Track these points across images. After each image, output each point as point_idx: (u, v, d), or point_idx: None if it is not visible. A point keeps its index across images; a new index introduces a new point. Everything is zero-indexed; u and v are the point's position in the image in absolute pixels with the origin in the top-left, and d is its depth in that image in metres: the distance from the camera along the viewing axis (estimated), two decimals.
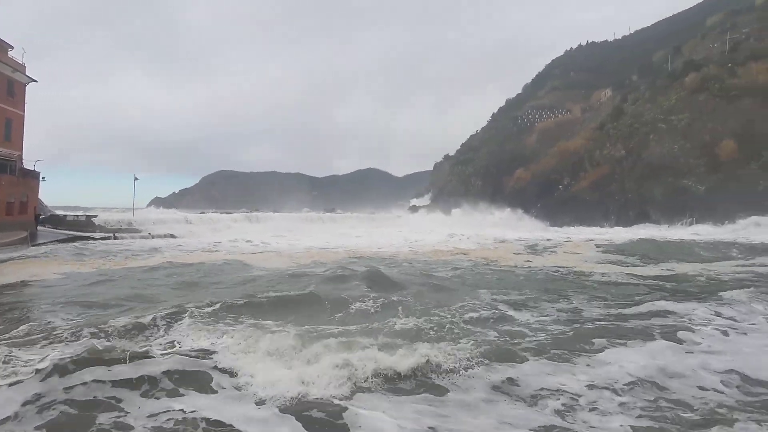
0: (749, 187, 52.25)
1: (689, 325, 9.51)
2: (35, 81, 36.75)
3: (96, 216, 43.33)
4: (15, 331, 8.61)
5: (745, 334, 9.10)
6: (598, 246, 31.47)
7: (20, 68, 35.07)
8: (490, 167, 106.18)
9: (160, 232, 39.78)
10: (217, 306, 10.25)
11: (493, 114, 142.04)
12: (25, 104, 36.22)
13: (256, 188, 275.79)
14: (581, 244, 34.73)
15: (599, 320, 10.03)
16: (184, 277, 15.98)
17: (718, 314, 10.51)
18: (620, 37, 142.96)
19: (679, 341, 8.38)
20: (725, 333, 9.03)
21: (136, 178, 50.70)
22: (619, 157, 70.43)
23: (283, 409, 5.48)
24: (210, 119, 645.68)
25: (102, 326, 8.56)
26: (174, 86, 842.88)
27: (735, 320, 10.10)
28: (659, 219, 58.67)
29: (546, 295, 13.10)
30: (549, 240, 39.39)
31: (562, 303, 12.02)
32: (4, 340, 8.09)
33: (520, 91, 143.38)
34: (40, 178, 37.14)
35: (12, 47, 35.02)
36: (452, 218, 79.06)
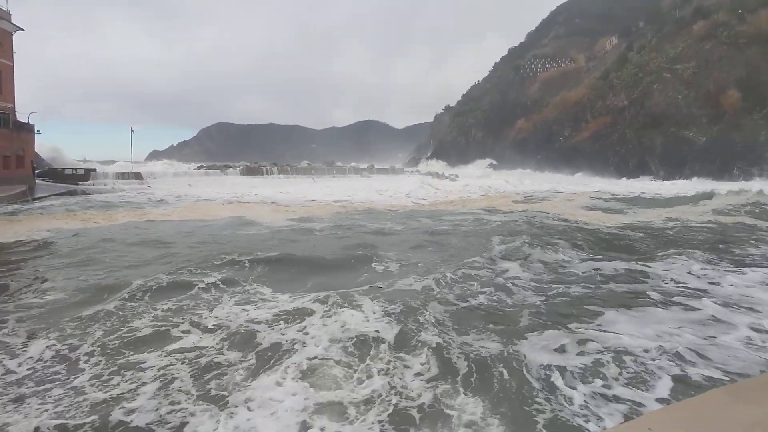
0: (750, 138, 51.92)
1: None
2: (22, 29, 35.62)
3: (95, 170, 43.28)
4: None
5: None
6: None
7: (5, 16, 33.87)
8: (492, 118, 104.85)
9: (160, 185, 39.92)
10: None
11: (495, 63, 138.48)
12: (14, 54, 35.31)
13: (254, 141, 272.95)
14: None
15: None
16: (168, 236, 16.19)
17: None
18: None
19: None
20: None
21: (132, 131, 50.18)
22: (622, 107, 69.43)
23: None
24: (205, 71, 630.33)
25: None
26: (166, 37, 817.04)
27: None
28: (658, 170, 58.69)
29: None
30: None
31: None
32: None
33: (523, 39, 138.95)
34: (35, 131, 36.79)
35: None
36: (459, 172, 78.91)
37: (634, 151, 64.11)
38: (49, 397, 4.80)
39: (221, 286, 8.79)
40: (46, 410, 4.54)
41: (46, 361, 5.63)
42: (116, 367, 5.44)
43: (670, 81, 63.39)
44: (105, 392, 4.91)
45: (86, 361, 5.62)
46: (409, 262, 10.99)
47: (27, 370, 5.44)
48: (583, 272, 10.10)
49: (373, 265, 10.73)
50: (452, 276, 9.44)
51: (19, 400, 4.75)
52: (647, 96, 65.57)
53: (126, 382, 5.10)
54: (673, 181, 51.73)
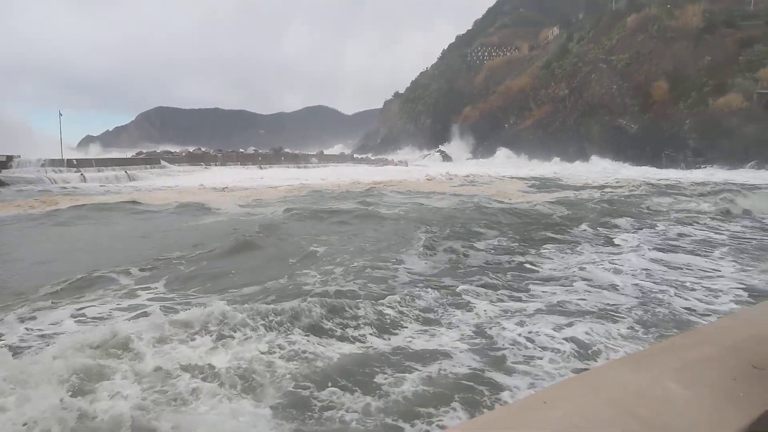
0: (676, 127, 55.59)
1: None
2: None
3: (19, 156, 40.12)
4: None
5: None
6: None
7: None
8: (439, 105, 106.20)
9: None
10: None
11: (443, 51, 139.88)
12: None
13: (198, 126, 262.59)
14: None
15: None
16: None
17: None
18: None
19: None
20: None
21: (60, 114, 47.00)
22: (563, 96, 72.28)
23: None
24: (142, 51, 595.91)
25: None
26: (95, 13, 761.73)
27: None
28: (594, 157, 61.71)
29: None
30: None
31: None
32: None
33: (470, 27, 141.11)
34: None
35: None
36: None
37: (573, 137, 67.04)
38: None
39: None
40: None
41: None
42: None
43: (606, 71, 66.56)
44: None
45: None
46: (324, 251, 10.88)
47: None
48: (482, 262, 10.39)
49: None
50: (353, 266, 9.33)
51: None
52: (585, 85, 68.60)
53: None
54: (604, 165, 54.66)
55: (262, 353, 5.27)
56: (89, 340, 5.21)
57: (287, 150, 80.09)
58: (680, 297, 7.36)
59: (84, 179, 35.83)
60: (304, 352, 5.38)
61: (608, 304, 7.10)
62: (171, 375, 4.68)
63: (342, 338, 5.90)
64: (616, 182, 33.39)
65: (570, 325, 6.19)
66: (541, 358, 5.28)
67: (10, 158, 37.45)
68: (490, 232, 12.83)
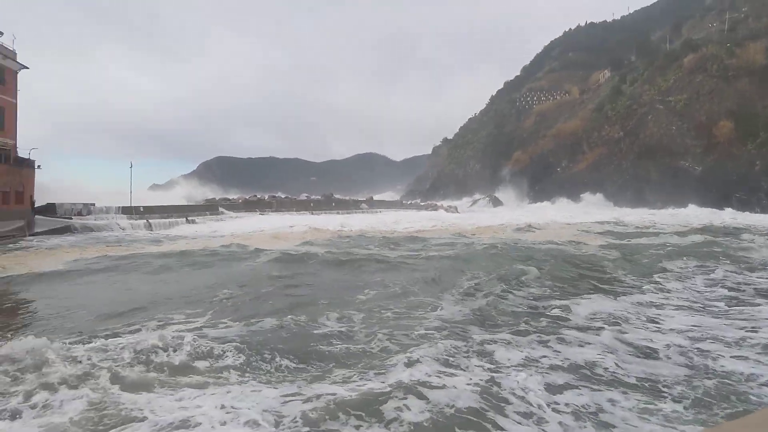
0: (745, 168, 52.29)
1: None
2: (26, 68, 36.44)
3: (93, 204, 43.35)
4: None
5: None
6: None
7: (11, 55, 34.69)
8: (488, 150, 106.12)
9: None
10: None
11: (492, 97, 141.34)
12: (17, 92, 35.99)
13: (255, 174, 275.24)
14: None
15: None
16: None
17: None
18: (619, 18, 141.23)
19: None
20: None
21: (131, 165, 50.58)
22: (617, 138, 70.33)
23: None
24: (205, 105, 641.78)
25: None
26: (164, 70, 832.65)
27: None
28: (655, 201, 58.81)
29: None
30: None
31: None
32: None
33: (518, 73, 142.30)
34: (36, 167, 37.06)
35: (1, 33, 34.68)
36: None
37: (631, 180, 64.54)
38: None
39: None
40: None
41: None
42: None
43: (663, 112, 64.44)
44: None
45: None
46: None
47: None
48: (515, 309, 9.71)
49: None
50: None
51: None
52: (641, 127, 66.51)
53: None
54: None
55: (274, 396, 5.50)
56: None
57: (338, 196, 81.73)
58: (739, 361, 6.50)
59: (150, 226, 37.99)
60: (324, 392, 5.50)
61: (645, 370, 6.32)
62: (188, 422, 4.92)
63: (357, 378, 5.99)
64: (685, 227, 31.36)
65: (592, 386, 5.82)
66: (549, 419, 5.00)
67: (87, 206, 40.50)
68: (533, 278, 12.28)
